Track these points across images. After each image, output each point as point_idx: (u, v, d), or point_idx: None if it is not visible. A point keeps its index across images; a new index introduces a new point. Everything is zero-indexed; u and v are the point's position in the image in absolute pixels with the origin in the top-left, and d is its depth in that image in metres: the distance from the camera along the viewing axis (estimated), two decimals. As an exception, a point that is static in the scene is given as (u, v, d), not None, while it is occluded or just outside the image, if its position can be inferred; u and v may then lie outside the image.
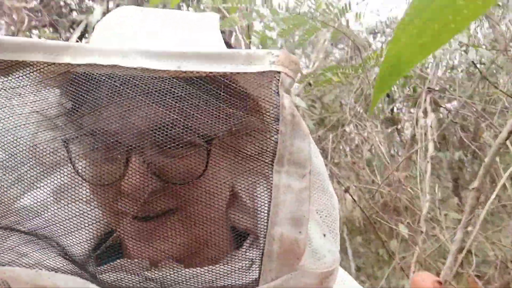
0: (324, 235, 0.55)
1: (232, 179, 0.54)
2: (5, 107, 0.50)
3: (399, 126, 3.79)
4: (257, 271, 0.51)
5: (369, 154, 3.38)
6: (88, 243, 0.55)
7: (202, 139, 0.50)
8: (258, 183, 0.53)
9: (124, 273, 0.50)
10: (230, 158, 0.52)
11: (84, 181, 0.52)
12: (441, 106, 3.09)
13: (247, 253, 0.55)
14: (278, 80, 0.48)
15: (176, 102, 0.48)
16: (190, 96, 0.49)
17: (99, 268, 0.50)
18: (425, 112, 2.90)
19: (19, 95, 0.51)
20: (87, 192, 0.52)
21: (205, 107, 0.49)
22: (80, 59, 0.47)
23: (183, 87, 0.49)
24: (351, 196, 2.92)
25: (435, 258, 2.78)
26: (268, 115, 0.49)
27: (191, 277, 0.49)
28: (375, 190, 2.89)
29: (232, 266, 0.51)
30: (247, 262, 0.53)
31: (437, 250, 2.80)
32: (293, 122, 0.49)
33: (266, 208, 0.49)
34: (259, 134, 0.52)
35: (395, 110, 3.72)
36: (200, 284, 0.49)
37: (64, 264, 0.51)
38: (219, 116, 0.49)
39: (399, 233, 2.68)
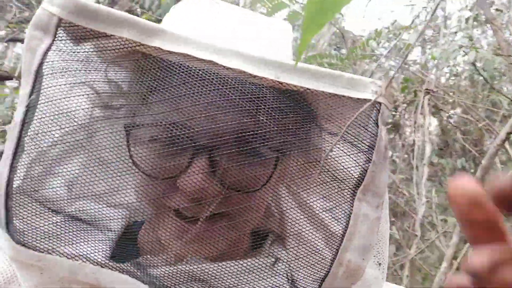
0: (380, 264, 0.56)
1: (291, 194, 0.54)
2: (64, 77, 0.47)
3: (401, 132, 3.74)
4: (282, 269, 0.51)
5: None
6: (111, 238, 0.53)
7: (274, 152, 0.50)
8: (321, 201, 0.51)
9: (165, 267, 0.48)
10: (295, 173, 0.52)
11: (136, 170, 0.49)
12: (442, 110, 3.05)
13: (271, 250, 0.56)
14: (379, 111, 0.48)
15: (257, 110, 0.47)
16: (270, 107, 0.48)
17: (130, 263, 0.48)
18: (425, 115, 2.86)
19: (81, 70, 0.48)
20: (131, 180, 0.49)
21: (282, 122, 0.48)
22: (173, 47, 0.46)
23: (265, 97, 0.48)
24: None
25: (430, 263, 2.71)
26: (362, 143, 0.49)
27: (226, 270, 0.48)
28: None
29: (257, 261, 0.51)
30: (271, 258, 0.53)
31: (434, 255, 2.73)
32: (385, 155, 0.49)
33: (334, 227, 0.49)
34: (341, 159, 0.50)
35: (397, 115, 3.68)
36: (237, 278, 0.48)
37: (109, 259, 0.48)
38: (294, 132, 0.49)
39: (393, 237, 2.62)
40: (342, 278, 0.48)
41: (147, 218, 0.52)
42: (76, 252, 0.46)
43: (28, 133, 0.46)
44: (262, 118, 0.47)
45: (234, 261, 0.49)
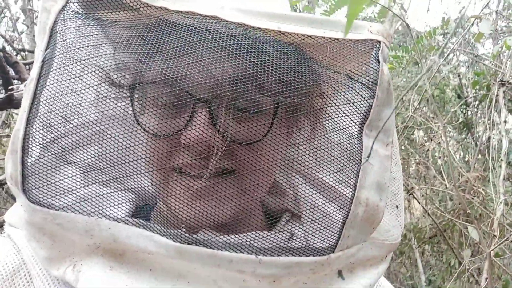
0: (397, 207, 0.56)
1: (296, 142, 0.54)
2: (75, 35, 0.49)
3: (474, 130, 3.52)
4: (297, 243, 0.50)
5: (439, 161, 3.16)
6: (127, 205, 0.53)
7: (273, 100, 0.50)
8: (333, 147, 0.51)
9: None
10: (302, 121, 0.53)
11: (142, 132, 0.49)
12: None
13: (286, 227, 0.56)
14: (379, 48, 0.50)
15: (253, 58, 0.48)
16: (268, 53, 0.49)
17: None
18: (500, 110, 2.66)
19: (91, 29, 0.50)
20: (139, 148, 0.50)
21: (280, 66, 0.49)
22: (178, 6, 0.48)
23: (262, 45, 0.49)
24: (416, 198, 2.74)
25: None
26: (365, 79, 0.50)
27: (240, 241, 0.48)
28: (443, 192, 2.69)
29: (272, 234, 0.50)
30: (286, 233, 0.53)
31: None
32: (388, 89, 0.50)
33: (344, 173, 0.49)
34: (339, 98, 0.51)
35: (469, 113, 3.46)
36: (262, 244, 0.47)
37: (128, 214, 0.49)
38: (293, 77, 0.49)
39: (471, 240, 2.45)
40: (363, 221, 0.48)
41: (157, 183, 0.51)
42: (92, 209, 0.45)
43: (45, 92, 0.46)
44: (256, 66, 0.47)
45: (249, 233, 0.48)
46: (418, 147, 2.95)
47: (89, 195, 0.47)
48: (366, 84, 0.49)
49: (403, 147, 2.72)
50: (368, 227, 0.49)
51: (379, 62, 0.49)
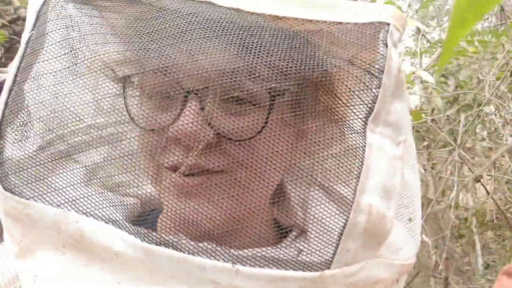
0: (410, 219, 0.49)
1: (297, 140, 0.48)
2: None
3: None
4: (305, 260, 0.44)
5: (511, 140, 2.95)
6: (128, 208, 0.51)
7: (269, 92, 0.45)
8: (335, 144, 0.45)
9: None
10: (300, 115, 0.46)
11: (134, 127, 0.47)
12: None
13: (293, 243, 0.49)
14: (387, 31, 0.45)
15: (245, 44, 0.44)
16: (261, 39, 0.44)
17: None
18: None
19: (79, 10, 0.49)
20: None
21: (277, 55, 0.44)
22: None
23: (256, 31, 0.45)
24: (484, 186, 2.58)
25: None
26: (370, 66, 0.44)
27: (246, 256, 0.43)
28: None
29: (278, 251, 0.45)
30: (294, 250, 0.47)
31: None
32: (397, 78, 0.44)
33: (344, 175, 0.43)
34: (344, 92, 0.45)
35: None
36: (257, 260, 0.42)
37: (101, 209, 0.45)
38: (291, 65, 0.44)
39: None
40: (366, 232, 0.40)
41: (153, 180, 0.48)
42: (63, 199, 0.43)
43: (23, 74, 0.45)
44: (248, 53, 0.43)
45: (256, 249, 0.42)
46: (491, 132, 2.75)
47: (61, 185, 0.45)
48: (372, 71, 0.43)
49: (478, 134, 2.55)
50: (372, 240, 0.41)
51: (387, 47, 0.44)
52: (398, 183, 0.43)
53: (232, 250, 0.41)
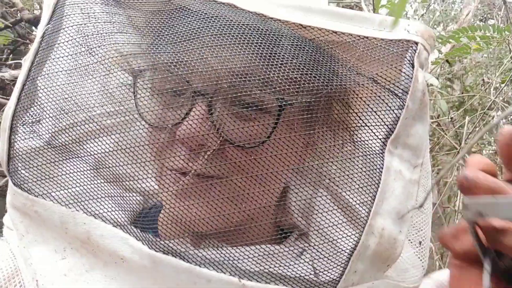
0: (420, 243, 0.49)
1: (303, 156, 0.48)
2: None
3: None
4: (309, 264, 0.44)
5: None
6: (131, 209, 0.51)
7: (279, 101, 0.44)
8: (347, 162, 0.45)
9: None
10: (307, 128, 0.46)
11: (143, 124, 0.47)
12: None
13: (296, 243, 0.50)
14: (415, 51, 0.43)
15: (261, 50, 0.43)
16: (280, 47, 0.44)
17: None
18: None
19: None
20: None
21: (292, 61, 0.43)
22: None
23: (276, 38, 0.44)
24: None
25: None
26: (394, 86, 0.43)
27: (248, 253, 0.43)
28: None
29: (281, 248, 0.45)
30: (296, 248, 0.48)
31: None
32: (422, 101, 0.43)
33: (355, 195, 0.43)
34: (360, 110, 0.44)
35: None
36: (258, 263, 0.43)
37: (109, 211, 0.46)
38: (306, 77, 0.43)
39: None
40: (375, 255, 0.40)
41: (157, 178, 0.48)
42: (72, 200, 0.43)
43: (37, 69, 0.45)
44: (263, 59, 0.43)
45: (232, 249, 0.42)
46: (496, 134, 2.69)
47: (70, 184, 0.45)
48: (395, 91, 0.43)
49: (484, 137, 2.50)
50: (380, 263, 0.41)
51: (413, 67, 0.42)
52: (412, 207, 0.43)
53: (237, 263, 0.41)
